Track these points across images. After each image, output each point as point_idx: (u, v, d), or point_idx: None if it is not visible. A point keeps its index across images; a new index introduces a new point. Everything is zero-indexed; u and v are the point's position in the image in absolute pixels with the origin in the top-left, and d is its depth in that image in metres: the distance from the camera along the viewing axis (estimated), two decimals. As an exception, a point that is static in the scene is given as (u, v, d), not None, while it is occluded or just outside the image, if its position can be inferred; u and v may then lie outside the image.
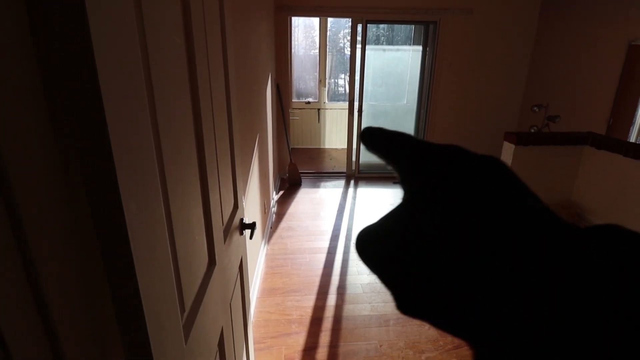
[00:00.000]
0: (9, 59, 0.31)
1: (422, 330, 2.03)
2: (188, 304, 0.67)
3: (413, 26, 4.52)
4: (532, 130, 3.74)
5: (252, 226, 1.19)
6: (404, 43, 4.74)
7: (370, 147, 0.19)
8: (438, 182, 0.16)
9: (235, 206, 1.14)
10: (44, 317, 0.36)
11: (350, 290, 2.39)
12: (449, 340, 1.96)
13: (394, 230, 0.16)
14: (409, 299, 0.16)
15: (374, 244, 0.17)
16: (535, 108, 3.69)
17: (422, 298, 0.15)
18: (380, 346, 1.92)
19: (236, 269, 1.13)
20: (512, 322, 0.13)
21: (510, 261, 0.13)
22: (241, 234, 1.19)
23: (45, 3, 0.33)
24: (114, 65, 0.38)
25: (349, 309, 2.21)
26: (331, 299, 2.29)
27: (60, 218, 0.38)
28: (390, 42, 4.99)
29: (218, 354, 0.89)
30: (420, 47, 4.45)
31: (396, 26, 4.69)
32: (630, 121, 3.37)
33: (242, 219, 1.19)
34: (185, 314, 0.65)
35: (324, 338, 1.97)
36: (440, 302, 0.15)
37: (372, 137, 0.19)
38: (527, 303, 0.12)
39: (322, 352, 1.88)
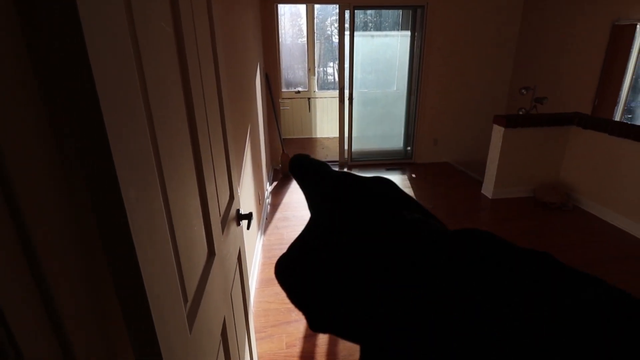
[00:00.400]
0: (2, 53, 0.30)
1: (419, 313, 2.08)
2: (190, 294, 0.67)
3: (401, 11, 4.48)
4: (521, 113, 3.78)
5: (249, 217, 1.19)
6: (392, 29, 4.70)
7: (292, 174, 0.22)
8: (332, 208, 0.19)
9: (232, 196, 1.13)
10: (51, 313, 0.36)
11: (347, 276, 2.42)
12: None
13: (297, 258, 0.18)
14: (317, 318, 0.18)
15: (284, 272, 0.19)
16: (523, 90, 3.72)
17: (325, 316, 0.17)
18: (379, 330, 1.96)
19: (235, 260, 1.14)
20: (387, 324, 0.14)
21: (388, 271, 0.15)
22: (238, 224, 1.19)
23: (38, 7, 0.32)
24: (105, 55, 0.38)
25: (347, 295, 2.24)
26: (329, 286, 2.32)
27: (62, 212, 0.38)
28: (378, 28, 4.95)
29: (221, 344, 0.90)
30: (408, 32, 4.43)
31: (384, 11, 4.64)
32: (615, 101, 3.43)
33: (238, 210, 1.19)
34: (188, 304, 0.66)
35: (324, 324, 2.00)
36: (338, 317, 0.17)
37: (292, 167, 0.22)
38: (397, 306, 0.14)
39: (322, 338, 1.91)
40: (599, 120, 3.20)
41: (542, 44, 4.12)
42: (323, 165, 0.17)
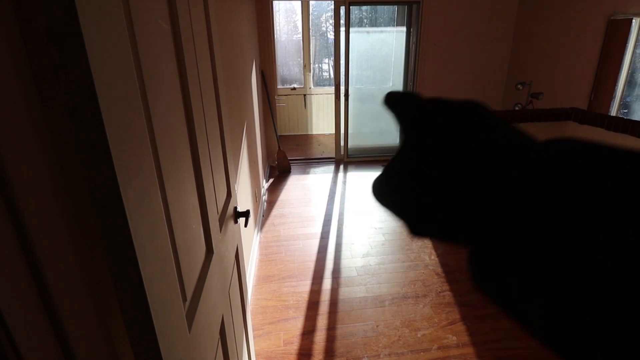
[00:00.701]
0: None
1: (417, 309, 2.09)
2: (189, 292, 0.67)
3: (396, 7, 4.47)
4: (517, 108, 3.79)
5: (246, 214, 1.19)
6: (388, 24, 4.69)
7: (386, 106, 0.24)
8: (431, 126, 0.20)
9: (229, 194, 1.13)
10: (50, 314, 0.35)
11: (344, 273, 2.43)
12: (443, 317, 2.02)
13: (400, 170, 0.20)
14: (418, 223, 0.19)
15: (385, 185, 0.21)
16: (518, 86, 3.73)
17: (428, 219, 0.19)
18: (377, 326, 1.97)
19: (233, 258, 1.14)
20: (495, 223, 0.16)
21: (490, 177, 0.17)
22: (235, 222, 1.19)
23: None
24: (104, 54, 0.37)
25: (344, 292, 2.25)
26: (326, 283, 2.33)
27: (61, 212, 0.37)
28: (373, 24, 4.94)
29: (220, 342, 0.90)
30: (404, 28, 4.42)
31: (379, 7, 4.63)
32: (611, 95, 3.45)
33: (235, 207, 1.19)
34: (187, 302, 0.65)
35: (321, 321, 2.01)
36: (441, 219, 0.19)
37: (386, 98, 0.24)
38: (504, 206, 0.16)
39: (320, 335, 1.92)
40: (595, 115, 3.22)
41: (537, 39, 4.13)
42: (412, 94, 0.19)
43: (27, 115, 0.33)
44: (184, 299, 0.63)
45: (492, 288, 0.17)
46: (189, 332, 0.62)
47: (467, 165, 0.18)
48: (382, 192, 0.21)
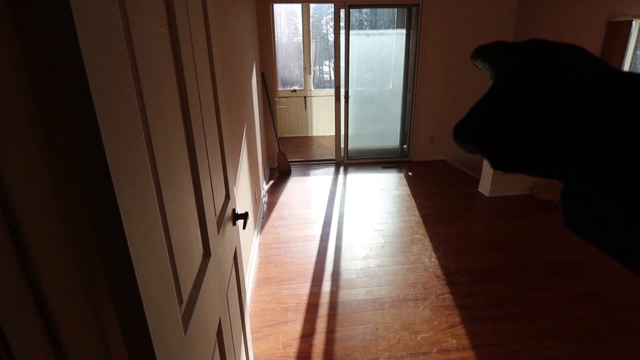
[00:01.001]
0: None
1: (417, 312, 2.08)
2: (186, 295, 0.67)
3: (396, 10, 4.49)
4: (517, 111, 3.79)
5: (244, 216, 1.19)
6: (388, 27, 4.70)
7: (473, 57, 0.25)
8: (527, 64, 0.21)
9: (227, 196, 1.13)
10: (44, 315, 0.35)
11: (344, 276, 2.43)
12: (443, 320, 2.01)
13: (488, 105, 0.21)
14: (504, 156, 0.20)
15: (469, 121, 0.22)
16: (519, 88, 3.73)
17: (515, 153, 0.20)
18: (377, 329, 1.97)
19: (231, 260, 1.13)
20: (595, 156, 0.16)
21: (591, 113, 0.17)
22: (234, 224, 1.19)
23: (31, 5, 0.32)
24: (99, 57, 0.37)
25: (344, 294, 2.25)
26: (326, 286, 2.32)
27: (56, 215, 0.37)
28: (373, 26, 4.95)
29: (217, 344, 0.90)
30: (404, 31, 4.43)
31: (379, 10, 4.64)
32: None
33: (234, 210, 1.19)
34: (183, 305, 0.65)
35: (321, 324, 2.01)
36: (530, 153, 0.19)
37: (475, 50, 0.25)
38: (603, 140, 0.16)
39: (319, 338, 1.91)
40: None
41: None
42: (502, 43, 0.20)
43: (22, 118, 0.34)
44: (180, 301, 0.63)
45: (588, 229, 0.18)
46: (185, 334, 0.62)
47: (568, 102, 0.18)
48: (470, 130, 0.22)
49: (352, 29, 4.23)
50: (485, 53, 0.24)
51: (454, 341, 1.88)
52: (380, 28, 4.78)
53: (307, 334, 1.94)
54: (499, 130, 0.20)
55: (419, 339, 1.90)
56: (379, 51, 4.51)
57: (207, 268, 0.81)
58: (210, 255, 0.84)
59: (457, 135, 0.23)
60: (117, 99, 0.41)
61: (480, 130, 0.21)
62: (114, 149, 0.39)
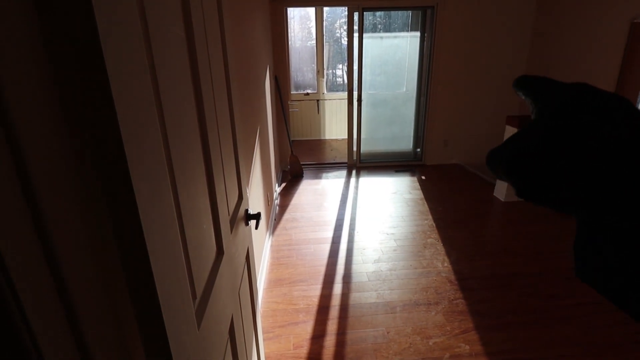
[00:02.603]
0: (21, 58, 0.32)
1: (429, 316, 2.06)
2: (199, 291, 0.68)
3: (410, 12, 4.47)
4: (533, 114, 3.71)
5: (257, 217, 1.20)
6: (402, 30, 4.69)
7: (516, 87, 0.26)
8: (564, 105, 0.22)
9: (240, 197, 1.15)
10: (67, 307, 0.37)
11: (355, 278, 2.42)
12: (455, 325, 1.98)
13: (526, 138, 0.22)
14: (531, 188, 0.21)
15: (505, 150, 0.23)
16: (535, 91, 3.66)
17: (542, 187, 0.21)
18: (388, 332, 1.95)
19: (243, 259, 1.15)
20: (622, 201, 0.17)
21: (614, 160, 0.18)
22: (246, 224, 1.20)
23: (54, 5, 0.34)
24: (119, 57, 0.39)
25: (355, 297, 2.24)
26: (337, 288, 2.32)
27: (78, 211, 0.39)
28: (387, 29, 4.94)
29: (229, 341, 0.91)
30: (418, 33, 4.41)
31: (393, 13, 4.64)
32: (635, 100, 3.35)
33: (247, 210, 1.21)
34: (197, 300, 0.67)
35: (332, 326, 2.00)
36: (556, 188, 0.20)
37: (519, 80, 0.26)
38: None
39: (330, 340, 1.91)
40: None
41: (556, 43, 4.06)
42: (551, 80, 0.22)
43: (47, 115, 0.36)
44: (194, 296, 0.65)
45: (600, 278, 0.18)
46: (198, 329, 0.64)
47: (602, 153, 0.19)
48: (503, 157, 0.23)
49: (366, 32, 4.24)
50: (530, 86, 0.25)
51: (467, 347, 1.85)
52: (394, 31, 4.77)
53: (318, 336, 1.94)
54: (533, 163, 0.21)
55: (430, 343, 1.87)
56: (393, 54, 4.50)
57: (220, 266, 0.82)
58: (223, 253, 0.86)
59: (490, 160, 0.24)
60: (135, 97, 0.43)
61: (515, 160, 0.22)
62: (132, 148, 0.41)
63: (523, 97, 0.26)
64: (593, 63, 3.65)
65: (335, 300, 2.21)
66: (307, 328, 1.99)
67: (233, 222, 1.01)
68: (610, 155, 0.19)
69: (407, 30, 4.58)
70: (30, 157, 0.33)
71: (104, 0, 0.36)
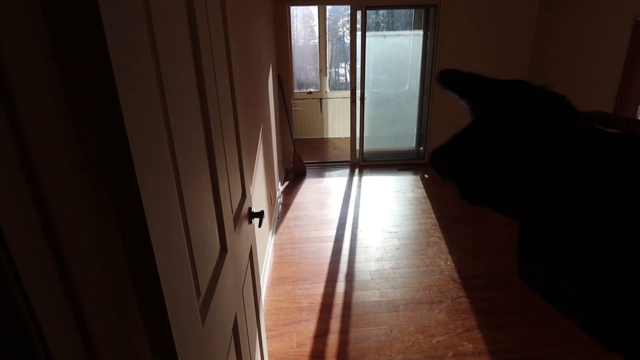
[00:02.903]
0: (31, 63, 0.32)
1: (432, 315, 2.06)
2: (203, 288, 0.69)
3: (413, 10, 4.46)
4: (537, 112, 3.69)
5: (260, 215, 1.21)
6: (404, 28, 4.68)
7: (445, 87, 0.24)
8: (506, 106, 0.21)
9: (244, 195, 1.15)
10: (74, 305, 0.37)
11: (358, 277, 2.42)
12: (459, 324, 1.98)
13: (467, 139, 0.22)
14: (472, 189, 0.21)
15: (448, 150, 0.22)
16: (539, 89, 3.64)
17: (483, 188, 0.20)
18: (391, 331, 1.95)
19: (247, 257, 1.15)
20: (554, 203, 0.16)
21: (553, 160, 0.17)
22: (250, 222, 1.21)
23: (62, 11, 0.34)
24: (125, 55, 0.39)
25: (358, 295, 2.24)
26: (340, 286, 2.32)
27: (84, 208, 0.39)
28: (390, 27, 4.93)
29: (233, 339, 0.91)
30: (421, 32, 4.40)
31: (396, 11, 4.62)
32: (639, 98, 3.32)
33: (250, 208, 1.21)
34: (201, 297, 0.67)
35: (335, 324, 2.01)
36: (496, 190, 0.19)
37: (447, 78, 0.24)
38: (563, 189, 0.16)
39: (333, 338, 1.92)
40: (621, 118, 3.11)
41: (559, 41, 4.03)
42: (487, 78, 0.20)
43: (55, 116, 0.36)
44: (198, 293, 0.65)
45: (539, 281, 0.18)
46: (202, 326, 0.64)
47: (538, 147, 0.18)
48: (446, 157, 0.22)
49: (369, 30, 4.23)
50: (464, 84, 0.24)
51: (470, 345, 1.84)
52: (397, 29, 4.76)
53: (321, 334, 1.94)
54: (472, 164, 0.21)
55: (433, 342, 1.87)
56: (396, 52, 4.48)
57: (224, 263, 0.83)
58: (227, 251, 0.86)
59: (434, 160, 0.23)
60: (140, 95, 0.43)
61: (456, 161, 0.22)
62: (137, 145, 0.41)
63: (454, 95, 0.25)
64: (597, 61, 3.62)
65: (338, 299, 2.21)
66: (310, 326, 1.99)
67: (237, 220, 1.02)
68: (533, 158, 0.18)
69: (410, 29, 4.57)
70: (38, 157, 0.33)
71: (110, 2, 0.36)
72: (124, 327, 0.47)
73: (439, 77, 0.24)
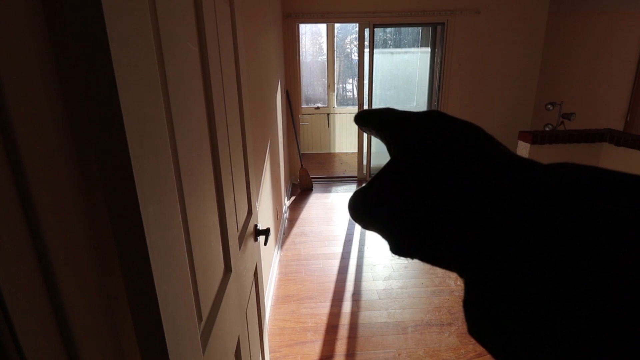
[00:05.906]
0: (32, 68, 0.31)
1: (441, 338, 1.98)
2: (205, 312, 0.65)
3: (420, 28, 4.50)
4: (547, 129, 3.66)
5: (266, 232, 1.18)
6: (412, 45, 4.72)
7: (362, 125, 0.23)
8: (421, 142, 0.19)
9: (250, 212, 1.13)
10: (63, 330, 0.35)
11: (365, 296, 2.36)
12: (470, 348, 1.90)
13: (384, 186, 0.19)
14: (402, 241, 0.18)
15: (367, 199, 0.19)
16: (549, 106, 3.61)
17: (413, 239, 0.17)
18: (399, 355, 1.88)
19: (251, 276, 1.12)
20: (488, 252, 0.14)
21: (482, 201, 0.15)
22: (255, 240, 1.18)
23: (65, 20, 0.32)
24: (131, 72, 0.38)
25: (365, 316, 2.17)
26: (346, 306, 2.26)
27: (80, 227, 0.37)
28: (397, 45, 4.98)
29: (235, 364, 0.87)
30: (428, 49, 4.43)
31: (403, 29, 4.67)
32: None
33: (256, 225, 1.18)
34: (203, 323, 0.64)
35: (341, 346, 1.94)
36: (428, 241, 0.17)
37: (362, 116, 0.23)
38: (495, 233, 0.14)
39: (338, 360, 1.85)
40: (633, 136, 3.06)
41: (568, 59, 4.02)
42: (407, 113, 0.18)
43: (54, 131, 0.34)
44: (200, 319, 0.62)
45: (492, 338, 0.14)
46: (203, 353, 0.61)
47: (462, 186, 0.16)
48: (364, 207, 0.19)
49: (376, 47, 4.27)
50: (376, 122, 0.22)
51: (483, 372, 1.76)
52: (404, 46, 4.80)
53: (327, 356, 1.87)
54: (394, 213, 0.18)
55: (444, 367, 1.79)
56: (403, 69, 4.51)
57: (228, 284, 0.79)
58: (231, 271, 0.83)
59: (352, 209, 0.20)
60: (145, 112, 0.42)
61: (375, 206, 0.18)
62: (140, 163, 0.39)
63: (372, 133, 0.23)
64: (606, 78, 3.59)
65: (345, 319, 2.14)
66: (315, 348, 1.93)
67: (242, 238, 0.99)
68: (456, 200, 0.16)
69: (418, 46, 4.60)
70: (35, 182, 0.31)
71: (115, 14, 0.35)
72: (119, 356, 0.44)
73: (355, 117, 0.24)
